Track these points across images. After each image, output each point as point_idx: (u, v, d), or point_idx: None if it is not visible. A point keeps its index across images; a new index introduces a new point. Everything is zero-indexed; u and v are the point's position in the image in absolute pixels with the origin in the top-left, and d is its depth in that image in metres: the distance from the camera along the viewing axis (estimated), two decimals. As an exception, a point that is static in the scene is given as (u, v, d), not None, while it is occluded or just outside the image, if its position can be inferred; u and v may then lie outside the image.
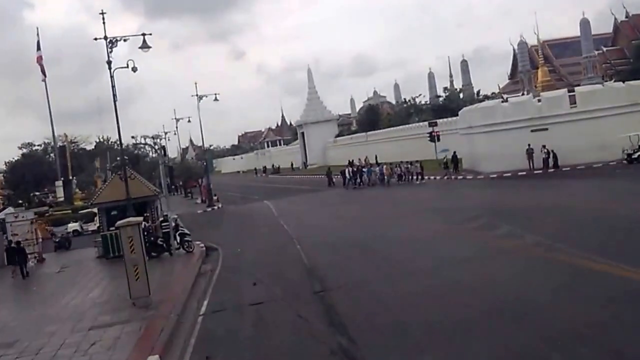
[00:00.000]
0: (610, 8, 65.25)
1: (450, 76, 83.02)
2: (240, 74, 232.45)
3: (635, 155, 29.13)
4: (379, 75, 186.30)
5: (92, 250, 23.02)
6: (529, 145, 32.59)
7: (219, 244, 21.24)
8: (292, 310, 11.01)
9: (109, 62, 18.95)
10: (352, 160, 45.98)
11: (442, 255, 14.18)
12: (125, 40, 19.19)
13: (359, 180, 39.63)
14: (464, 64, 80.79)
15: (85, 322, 11.92)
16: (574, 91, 35.05)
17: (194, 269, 16.83)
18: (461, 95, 70.95)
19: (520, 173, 32.23)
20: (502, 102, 37.95)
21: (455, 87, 78.54)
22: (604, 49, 58.89)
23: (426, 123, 49.47)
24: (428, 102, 74.47)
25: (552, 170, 31.70)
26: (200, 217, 35.44)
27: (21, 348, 10.57)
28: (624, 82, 34.92)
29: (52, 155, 54.90)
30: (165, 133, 60.98)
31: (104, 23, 18.81)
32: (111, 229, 19.31)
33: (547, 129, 32.90)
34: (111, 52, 18.85)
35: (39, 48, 50.19)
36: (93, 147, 67.13)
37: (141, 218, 13.67)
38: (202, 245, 21.31)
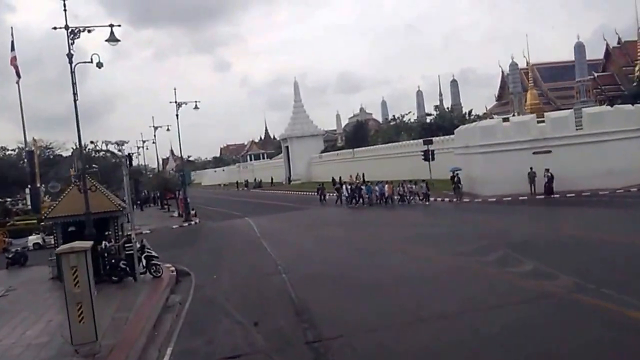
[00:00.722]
0: (602, 33, 65.01)
1: (440, 95, 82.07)
2: (224, 86, 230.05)
3: None
4: (365, 92, 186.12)
5: (48, 269, 20.08)
6: (531, 168, 30.61)
7: (192, 268, 18.53)
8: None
9: (70, 56, 16.43)
10: (341, 177, 43.65)
11: (462, 296, 11.69)
12: (89, 32, 16.67)
13: (357, 198, 37.05)
14: (454, 84, 79.73)
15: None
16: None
17: (159, 300, 14.12)
18: (452, 115, 69.60)
19: (521, 197, 30.15)
20: (504, 120, 36.00)
21: (445, 106, 77.37)
22: (595, 74, 58.25)
23: (419, 141, 47.47)
24: (416, 120, 73.05)
25: (557, 195, 29.64)
26: (175, 234, 32.58)
27: None
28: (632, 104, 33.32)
29: (26, 160, 52.03)
30: (144, 142, 58.17)
31: (65, 11, 16.30)
32: (67, 247, 16.43)
33: (550, 152, 31.03)
34: (73, 43, 16.42)
35: (13, 49, 47.44)
36: (70, 153, 64.13)
37: (90, 243, 11.00)
38: (173, 268, 18.55)
